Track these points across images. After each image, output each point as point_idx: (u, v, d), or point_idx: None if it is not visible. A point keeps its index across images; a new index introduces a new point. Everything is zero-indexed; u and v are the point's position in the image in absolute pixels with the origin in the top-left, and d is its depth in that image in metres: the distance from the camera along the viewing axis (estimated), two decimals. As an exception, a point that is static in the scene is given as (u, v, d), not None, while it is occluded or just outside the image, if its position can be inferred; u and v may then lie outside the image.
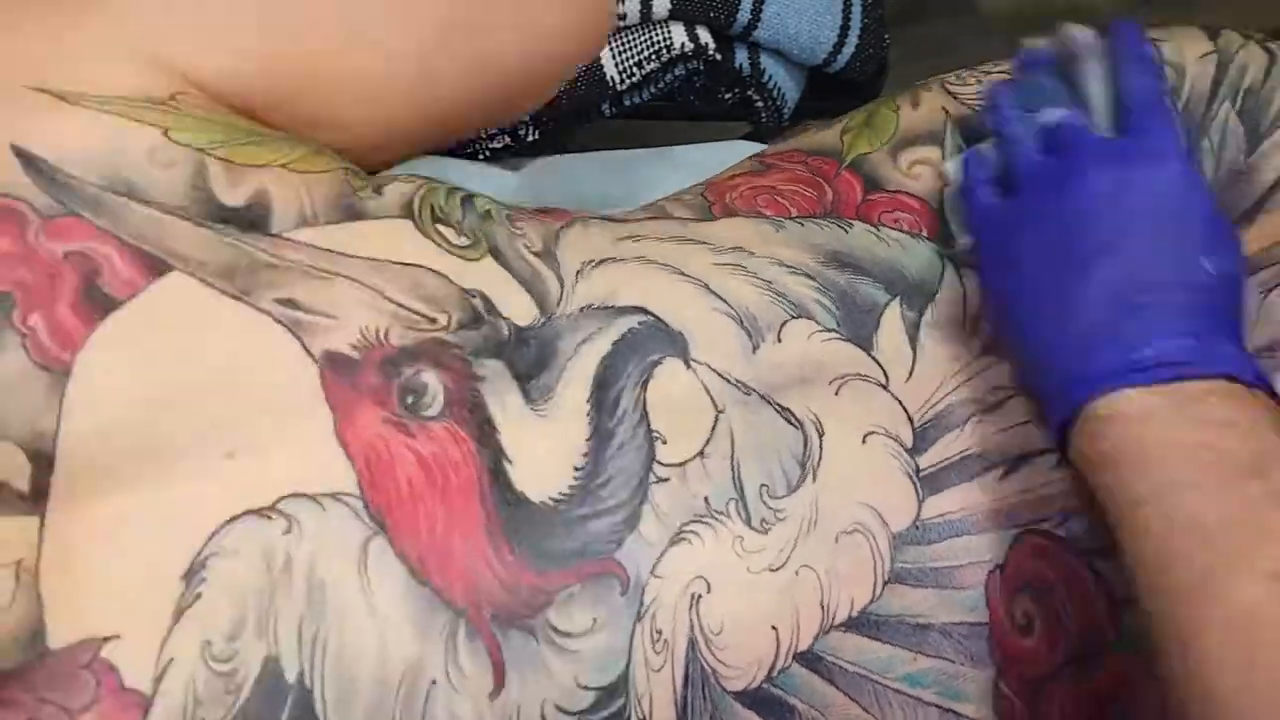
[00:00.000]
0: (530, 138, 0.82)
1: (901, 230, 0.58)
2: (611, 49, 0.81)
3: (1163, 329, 0.45)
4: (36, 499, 0.35)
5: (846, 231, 0.57)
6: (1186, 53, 0.61)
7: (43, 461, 0.35)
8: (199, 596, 0.35)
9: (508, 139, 0.82)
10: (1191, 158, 0.57)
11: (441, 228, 0.50)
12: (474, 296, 0.48)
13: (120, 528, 0.35)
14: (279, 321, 0.42)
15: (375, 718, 0.37)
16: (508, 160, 0.84)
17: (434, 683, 0.38)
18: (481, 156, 0.83)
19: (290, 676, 0.35)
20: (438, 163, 0.78)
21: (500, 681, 0.39)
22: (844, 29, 0.84)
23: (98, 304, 0.37)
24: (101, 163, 0.41)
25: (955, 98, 0.63)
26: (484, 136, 0.82)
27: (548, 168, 0.83)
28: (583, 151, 0.85)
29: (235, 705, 0.34)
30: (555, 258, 0.53)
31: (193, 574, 0.35)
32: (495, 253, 0.52)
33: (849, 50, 0.85)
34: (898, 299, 0.55)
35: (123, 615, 0.34)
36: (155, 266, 0.40)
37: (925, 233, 0.58)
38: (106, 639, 0.33)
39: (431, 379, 0.43)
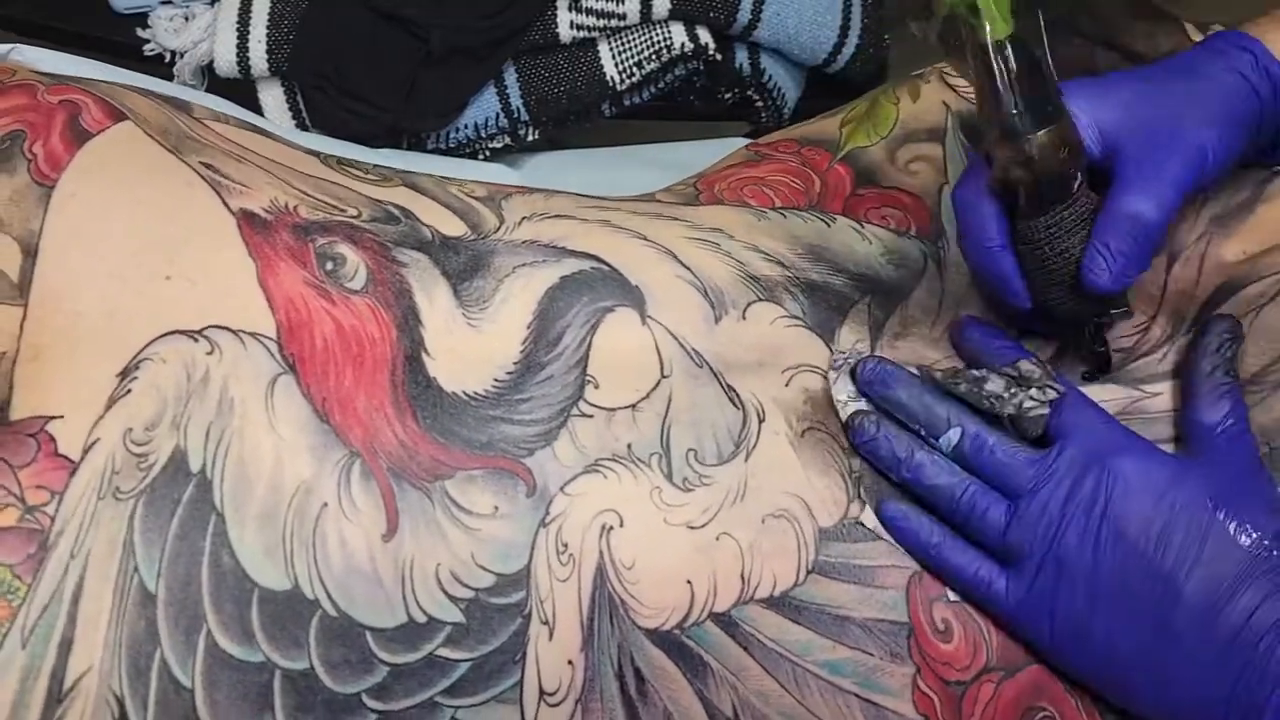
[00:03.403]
0: (530, 137, 0.83)
1: (888, 228, 0.57)
2: (611, 49, 0.81)
3: None
4: (23, 290, 0.42)
5: (829, 225, 0.57)
6: (1180, 39, 0.61)
7: (29, 256, 0.43)
8: (128, 392, 0.41)
9: (507, 139, 0.83)
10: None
11: (349, 167, 0.53)
12: (388, 206, 0.50)
13: (76, 327, 0.42)
14: (202, 177, 0.47)
15: (269, 519, 0.41)
16: (506, 159, 0.84)
17: (325, 505, 0.42)
18: (482, 156, 0.83)
19: (194, 466, 0.41)
20: (437, 161, 0.79)
21: (393, 526, 0.42)
22: (844, 29, 0.84)
23: (78, 135, 0.46)
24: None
25: (954, 90, 0.63)
26: (484, 136, 0.82)
27: (546, 165, 0.84)
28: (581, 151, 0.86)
29: (145, 480, 0.40)
30: (498, 204, 0.53)
31: (127, 374, 0.42)
32: (412, 185, 0.53)
33: (849, 50, 0.85)
34: (867, 299, 0.54)
35: (67, 401, 0.41)
36: (118, 113, 0.48)
37: (914, 230, 0.57)
38: (52, 417, 0.40)
39: (348, 252, 0.47)
